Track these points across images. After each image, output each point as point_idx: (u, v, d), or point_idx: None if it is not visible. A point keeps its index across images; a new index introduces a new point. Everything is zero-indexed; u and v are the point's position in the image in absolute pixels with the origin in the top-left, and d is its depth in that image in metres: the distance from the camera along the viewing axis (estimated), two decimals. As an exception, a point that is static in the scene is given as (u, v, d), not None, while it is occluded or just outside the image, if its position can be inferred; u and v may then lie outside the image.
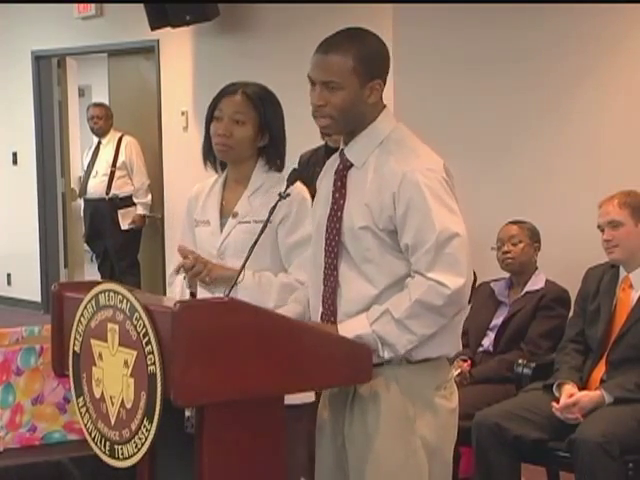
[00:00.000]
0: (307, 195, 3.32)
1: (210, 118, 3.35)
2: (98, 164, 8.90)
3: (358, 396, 2.81)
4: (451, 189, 2.78)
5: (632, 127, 5.52)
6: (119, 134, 8.87)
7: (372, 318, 2.72)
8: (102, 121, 8.88)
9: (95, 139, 9.07)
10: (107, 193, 8.79)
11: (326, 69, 2.78)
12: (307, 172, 4.92)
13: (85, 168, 9.13)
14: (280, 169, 3.39)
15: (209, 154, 3.40)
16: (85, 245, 9.85)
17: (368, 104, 2.81)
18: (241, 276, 3.03)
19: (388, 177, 2.76)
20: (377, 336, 2.71)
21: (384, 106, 2.88)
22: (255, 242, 2.99)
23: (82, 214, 9.49)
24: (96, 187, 8.87)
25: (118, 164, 8.79)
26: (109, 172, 8.79)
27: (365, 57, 2.78)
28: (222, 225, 3.35)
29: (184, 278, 3.28)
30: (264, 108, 3.32)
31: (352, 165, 2.86)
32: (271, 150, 3.36)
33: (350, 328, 2.73)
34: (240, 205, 3.34)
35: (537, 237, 4.99)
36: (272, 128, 3.34)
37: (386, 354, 2.72)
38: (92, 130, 8.99)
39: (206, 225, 3.38)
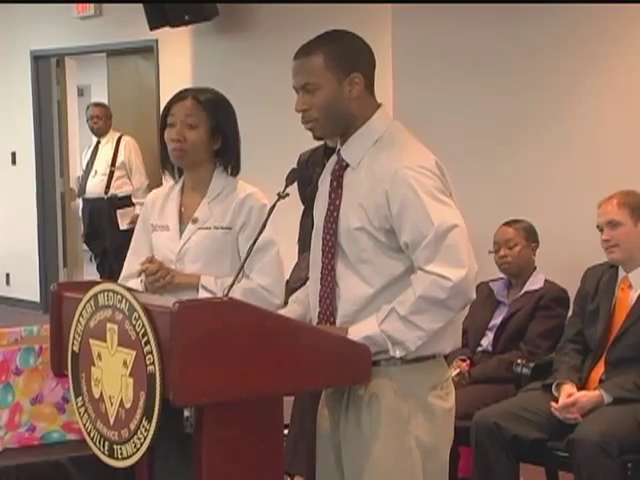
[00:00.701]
0: (266, 202, 3.36)
1: (164, 125, 3.39)
2: (97, 164, 8.91)
3: (353, 396, 2.81)
4: (444, 185, 2.77)
5: (631, 127, 5.51)
6: (118, 134, 8.88)
7: (380, 318, 2.72)
8: (102, 121, 8.89)
9: (94, 139, 9.07)
10: (106, 193, 8.80)
11: (301, 73, 2.80)
12: (306, 172, 4.92)
13: (84, 168, 9.13)
14: (236, 172, 3.44)
15: (166, 161, 3.45)
16: (84, 245, 9.84)
17: (352, 99, 2.80)
18: (240, 276, 3.04)
19: (380, 176, 2.75)
20: (386, 335, 2.70)
21: (379, 105, 2.88)
22: (251, 246, 2.97)
23: (81, 214, 9.49)
24: (95, 187, 8.87)
25: (117, 164, 8.79)
26: (108, 172, 8.79)
27: (337, 52, 2.79)
28: (181, 231, 3.39)
29: (141, 282, 3.32)
30: (215, 111, 3.37)
31: (348, 165, 2.86)
32: (226, 153, 3.41)
33: (360, 330, 2.72)
34: (200, 211, 3.39)
35: (534, 236, 4.96)
36: (225, 131, 3.39)
37: (397, 352, 2.72)
38: (91, 130, 8.99)
39: (165, 230, 3.43)
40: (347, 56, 2.80)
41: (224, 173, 3.42)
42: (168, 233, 3.41)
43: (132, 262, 3.47)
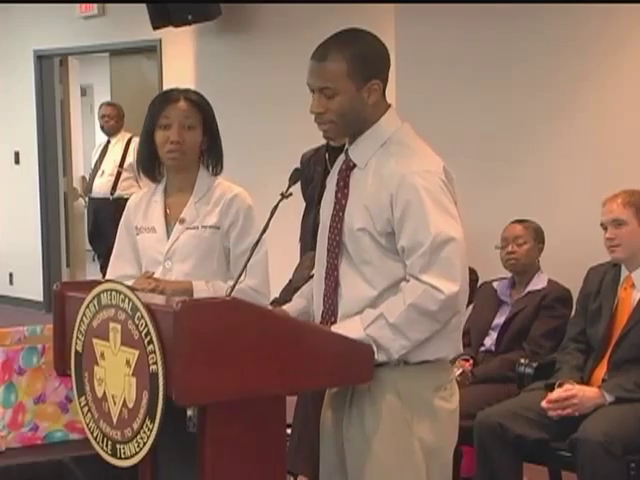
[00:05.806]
0: (251, 202, 3.40)
1: (152, 127, 3.37)
2: (105, 164, 8.92)
3: (356, 397, 2.81)
4: (450, 192, 2.76)
5: (635, 127, 5.51)
6: (129, 135, 8.85)
7: (366, 322, 2.71)
8: (113, 121, 8.89)
9: (104, 137, 9.07)
10: (112, 193, 8.80)
11: (321, 76, 2.78)
12: (308, 171, 4.92)
13: (92, 166, 9.13)
14: (219, 171, 3.45)
15: (147, 162, 3.44)
16: (87, 244, 9.85)
17: (368, 105, 2.80)
18: (242, 276, 3.04)
19: (386, 179, 2.75)
20: (371, 340, 2.70)
21: (389, 106, 2.87)
22: (254, 247, 2.96)
23: (86, 212, 9.49)
24: (101, 187, 8.88)
25: (125, 165, 8.78)
26: (115, 173, 8.79)
27: (358, 59, 2.76)
28: (168, 231, 3.39)
29: None
30: (206, 112, 3.39)
31: (355, 165, 2.85)
32: (212, 151, 3.43)
33: (343, 331, 2.72)
34: (187, 211, 3.40)
35: (542, 238, 4.97)
36: (212, 129, 3.41)
37: (379, 357, 2.72)
38: (102, 129, 9.01)
39: (151, 232, 3.42)
40: (369, 63, 2.78)
41: (208, 173, 3.44)
42: (155, 235, 3.40)
43: (116, 267, 3.47)
